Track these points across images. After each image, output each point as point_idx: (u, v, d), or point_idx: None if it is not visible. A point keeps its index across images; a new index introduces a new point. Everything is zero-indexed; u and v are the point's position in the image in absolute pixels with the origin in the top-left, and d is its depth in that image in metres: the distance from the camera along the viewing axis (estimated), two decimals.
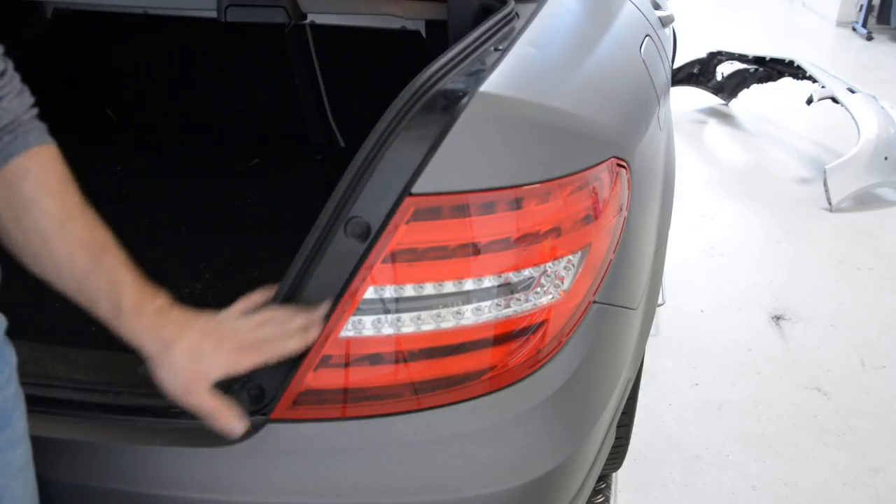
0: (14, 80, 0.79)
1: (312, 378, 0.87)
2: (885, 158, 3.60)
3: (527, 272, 0.90)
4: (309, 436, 0.88)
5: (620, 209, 1.04)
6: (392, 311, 0.86)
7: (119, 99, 2.42)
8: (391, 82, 1.15)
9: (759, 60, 4.61)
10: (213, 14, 1.76)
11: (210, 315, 0.86)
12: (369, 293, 0.85)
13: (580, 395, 0.97)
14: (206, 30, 2.06)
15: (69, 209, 0.81)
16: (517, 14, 1.17)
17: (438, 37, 1.71)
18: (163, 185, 2.17)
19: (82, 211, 0.82)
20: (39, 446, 0.89)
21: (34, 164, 0.79)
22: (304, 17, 1.94)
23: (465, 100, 0.88)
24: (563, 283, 0.93)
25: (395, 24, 1.87)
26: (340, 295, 0.85)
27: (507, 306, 0.89)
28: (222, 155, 2.32)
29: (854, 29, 7.08)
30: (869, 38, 6.76)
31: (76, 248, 0.80)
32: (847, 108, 3.82)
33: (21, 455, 0.81)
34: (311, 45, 2.16)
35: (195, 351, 0.82)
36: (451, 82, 0.93)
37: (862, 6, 7.04)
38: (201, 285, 1.69)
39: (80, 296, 0.82)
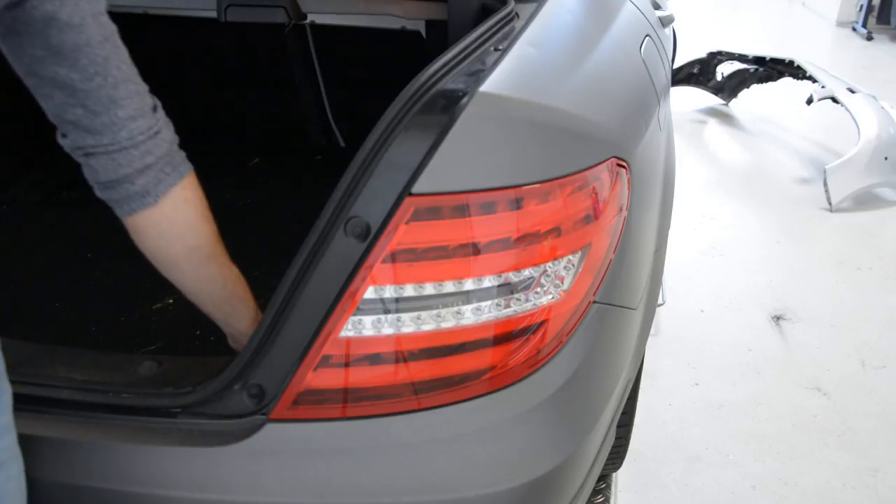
0: (162, 111, 0.86)
1: (312, 378, 0.87)
2: (885, 158, 3.60)
3: (527, 272, 0.90)
4: (309, 436, 0.88)
5: (620, 209, 1.04)
6: (392, 311, 0.86)
7: None
8: (391, 82, 1.15)
9: (759, 60, 4.61)
10: (213, 14, 1.76)
11: None
12: (369, 293, 0.85)
13: (580, 395, 0.97)
14: (206, 30, 2.06)
15: (216, 234, 0.92)
16: (517, 14, 1.17)
17: (438, 37, 1.71)
18: None
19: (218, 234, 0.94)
20: (39, 446, 0.89)
21: (191, 193, 0.88)
22: (304, 17, 1.94)
23: (465, 100, 0.88)
24: (563, 283, 0.93)
25: (395, 24, 1.87)
26: (340, 295, 0.85)
27: (507, 306, 0.89)
28: (222, 155, 2.32)
29: (854, 29, 7.08)
30: (869, 38, 6.76)
31: (222, 266, 0.95)
32: (847, 108, 3.82)
33: (4, 448, 0.81)
34: (311, 45, 2.16)
35: None
36: (451, 82, 0.93)
37: (862, 6, 7.03)
38: None
39: (219, 301, 0.98)
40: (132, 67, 0.83)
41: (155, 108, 0.86)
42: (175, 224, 0.87)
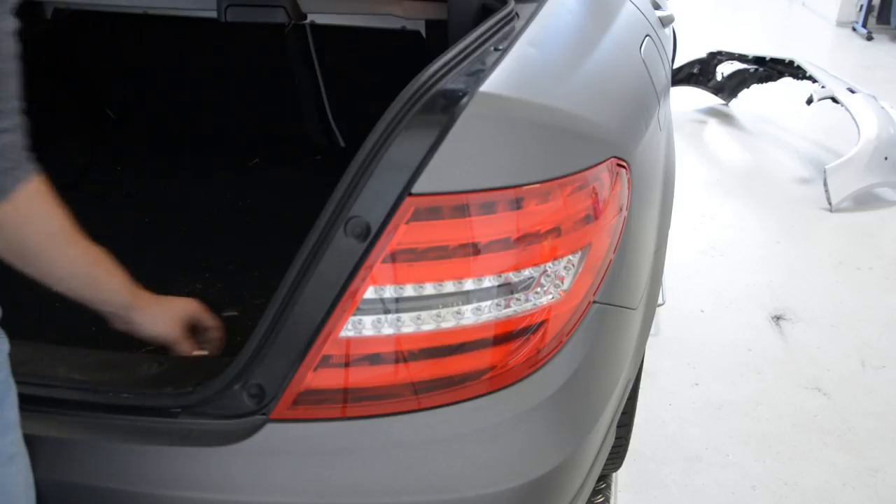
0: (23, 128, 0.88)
1: (312, 378, 0.87)
2: (885, 158, 3.60)
3: (527, 272, 0.90)
4: (309, 436, 0.88)
5: (620, 209, 1.04)
6: (392, 311, 0.86)
7: (119, 99, 2.42)
8: (391, 82, 1.15)
9: (759, 60, 4.61)
10: (213, 14, 1.76)
11: None
12: (369, 293, 0.85)
13: (580, 395, 0.97)
14: (206, 30, 2.06)
15: (70, 218, 0.93)
16: (517, 14, 1.17)
17: (438, 37, 1.71)
18: (163, 184, 2.17)
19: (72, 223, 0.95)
20: (40, 446, 0.89)
21: (39, 186, 0.89)
22: (304, 17, 1.94)
23: (465, 100, 0.88)
24: (563, 283, 0.93)
25: (395, 24, 1.87)
26: (340, 295, 0.85)
27: (507, 306, 0.89)
28: (222, 155, 2.32)
29: (854, 29, 7.08)
30: (869, 38, 6.76)
31: (85, 245, 0.96)
32: (847, 108, 3.82)
33: (12, 443, 0.82)
34: (311, 45, 2.16)
35: (166, 299, 1.09)
36: (451, 82, 0.93)
37: (862, 6, 7.03)
38: (201, 285, 1.69)
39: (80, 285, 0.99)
40: (17, 87, 0.86)
41: (21, 125, 0.88)
42: (30, 214, 0.89)
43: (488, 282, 0.88)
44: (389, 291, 0.86)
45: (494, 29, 1.08)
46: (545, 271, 0.91)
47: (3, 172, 0.86)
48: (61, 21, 2.12)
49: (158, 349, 1.07)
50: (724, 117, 4.79)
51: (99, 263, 1.00)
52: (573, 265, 0.94)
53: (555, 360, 0.94)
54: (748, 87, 4.77)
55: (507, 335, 0.91)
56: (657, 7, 2.00)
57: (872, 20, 7.00)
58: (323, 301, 0.86)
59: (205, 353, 1.13)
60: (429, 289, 0.87)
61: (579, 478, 1.02)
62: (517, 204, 0.88)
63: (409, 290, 0.86)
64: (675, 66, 4.40)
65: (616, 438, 1.29)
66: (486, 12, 1.27)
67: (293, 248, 0.88)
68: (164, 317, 1.07)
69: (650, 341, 1.44)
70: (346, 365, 0.88)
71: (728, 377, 2.43)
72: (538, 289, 0.91)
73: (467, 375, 0.90)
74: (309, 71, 2.20)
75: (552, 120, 0.96)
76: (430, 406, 0.89)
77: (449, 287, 0.87)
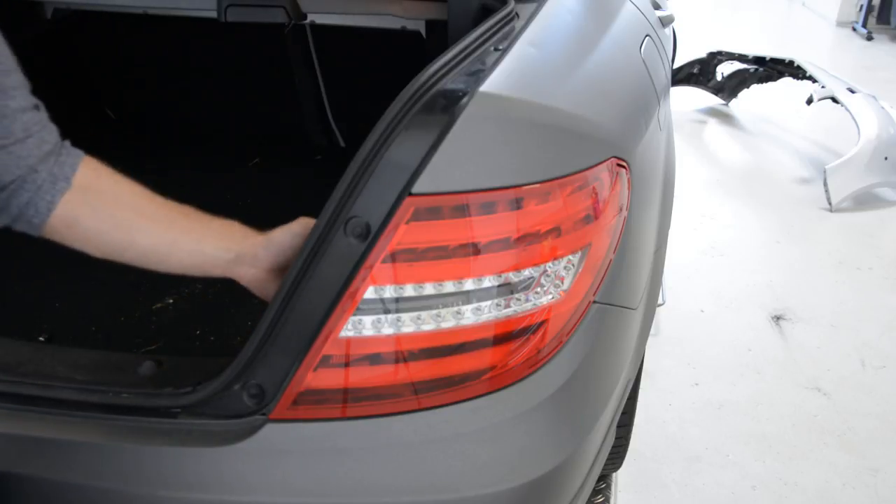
0: (44, 110, 0.83)
1: (312, 378, 0.87)
2: (885, 158, 3.60)
3: (527, 272, 0.90)
4: (309, 436, 0.88)
5: (620, 209, 1.04)
6: (392, 311, 0.86)
7: (119, 99, 2.43)
8: (391, 82, 1.15)
9: (759, 60, 4.61)
10: (213, 14, 1.76)
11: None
12: (369, 293, 0.85)
13: (580, 395, 0.97)
14: (206, 30, 2.07)
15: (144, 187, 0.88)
16: (517, 14, 1.17)
17: (438, 37, 1.71)
18: (163, 184, 2.17)
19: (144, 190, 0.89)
20: (40, 446, 0.89)
21: (97, 163, 0.84)
22: (304, 17, 1.94)
23: (465, 100, 0.88)
24: (563, 283, 0.93)
25: (395, 24, 1.88)
26: (340, 295, 0.85)
27: (507, 306, 0.89)
28: (222, 155, 2.32)
29: (854, 29, 7.08)
30: (869, 38, 6.76)
31: (178, 206, 0.91)
32: (847, 108, 3.82)
33: None
34: (311, 45, 2.16)
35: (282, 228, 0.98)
36: (451, 82, 0.93)
37: (862, 6, 7.03)
38: (201, 285, 1.69)
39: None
40: (15, 62, 0.79)
41: (37, 107, 0.82)
42: (102, 191, 0.83)
43: (488, 282, 0.88)
44: (389, 291, 0.86)
45: (494, 29, 1.08)
46: (545, 271, 0.91)
47: (46, 158, 0.78)
48: (61, 21, 2.13)
49: (158, 349, 1.07)
50: (724, 117, 4.79)
51: (200, 216, 0.91)
52: (573, 265, 0.94)
53: (555, 360, 0.94)
54: (748, 87, 4.77)
55: (507, 335, 0.90)
56: (657, 7, 2.00)
57: (872, 20, 7.00)
58: (323, 301, 0.86)
59: None
60: (429, 289, 0.86)
61: (579, 478, 1.02)
62: (517, 204, 0.88)
63: (409, 290, 0.86)
64: (675, 66, 4.40)
65: (616, 438, 1.29)
66: (486, 12, 1.27)
67: None
68: (289, 241, 0.94)
69: (650, 341, 1.44)
70: (346, 365, 0.88)
71: (728, 377, 2.43)
72: (538, 289, 0.91)
73: (467, 375, 0.90)
74: (309, 71, 2.21)
75: (552, 120, 0.96)
76: (430, 406, 0.89)
77: (449, 287, 0.87)
